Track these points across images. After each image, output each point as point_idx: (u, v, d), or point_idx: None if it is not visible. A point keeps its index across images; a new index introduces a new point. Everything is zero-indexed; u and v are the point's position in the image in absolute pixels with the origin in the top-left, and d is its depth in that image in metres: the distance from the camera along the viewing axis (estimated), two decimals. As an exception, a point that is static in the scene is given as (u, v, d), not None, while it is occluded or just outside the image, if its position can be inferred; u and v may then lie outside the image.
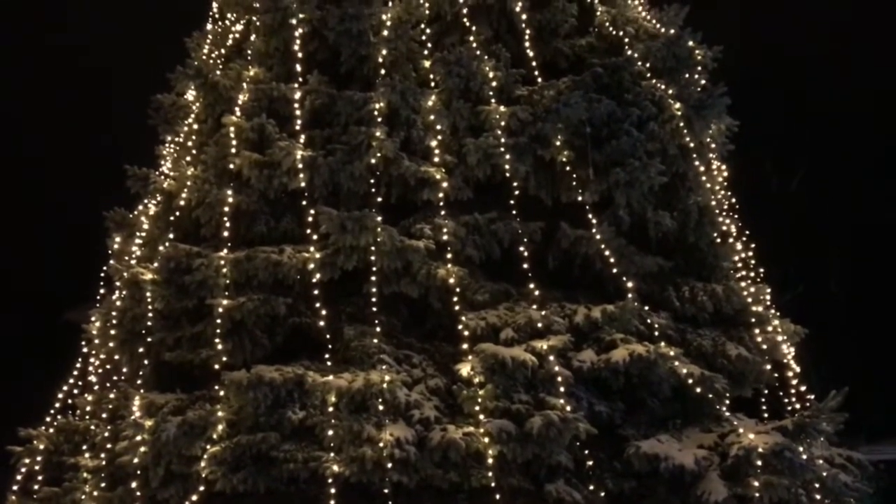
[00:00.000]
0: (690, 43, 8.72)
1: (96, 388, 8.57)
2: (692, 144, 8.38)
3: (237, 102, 8.49)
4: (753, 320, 8.13)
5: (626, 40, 8.97)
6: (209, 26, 10.10)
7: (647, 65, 8.64)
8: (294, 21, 8.69)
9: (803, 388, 8.27)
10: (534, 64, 8.70)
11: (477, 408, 6.87)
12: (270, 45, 8.92)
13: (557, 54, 9.04)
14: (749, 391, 8.16)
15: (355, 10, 8.49)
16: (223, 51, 9.72)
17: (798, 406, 8.18)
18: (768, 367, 8.00)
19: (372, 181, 7.95)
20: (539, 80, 8.59)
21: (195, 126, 9.00)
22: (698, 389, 7.22)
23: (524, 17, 8.88)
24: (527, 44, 8.80)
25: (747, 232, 9.05)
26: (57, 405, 8.93)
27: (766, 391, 8.42)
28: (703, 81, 8.77)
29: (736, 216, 9.18)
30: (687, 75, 8.68)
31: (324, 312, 7.48)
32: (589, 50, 9.11)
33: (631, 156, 8.00)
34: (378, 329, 7.43)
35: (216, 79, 8.73)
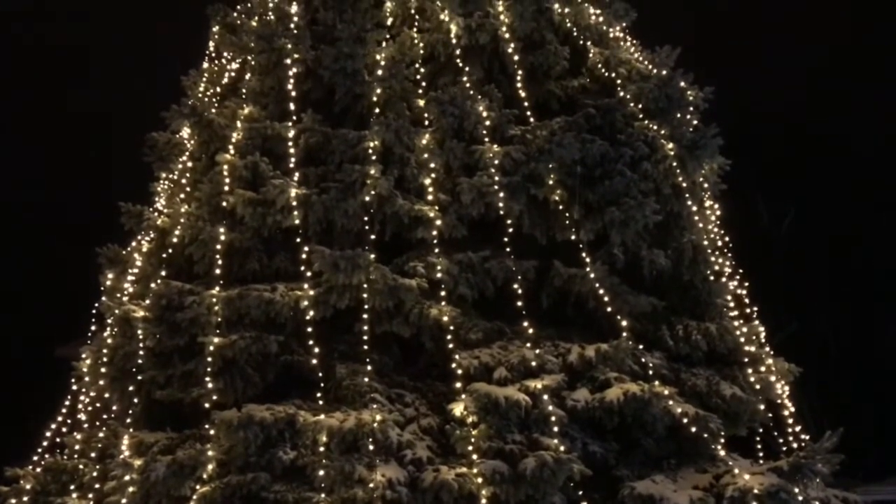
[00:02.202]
0: (682, 84, 8.82)
1: (85, 426, 8.47)
2: (685, 184, 8.45)
3: (231, 140, 8.55)
4: (747, 359, 8.11)
5: (619, 81, 9.07)
6: (205, 65, 10.20)
7: (640, 105, 8.74)
8: (289, 60, 8.79)
9: (798, 428, 8.23)
10: (526, 104, 8.78)
11: (470, 448, 6.80)
12: (265, 84, 9.01)
13: (550, 95, 9.13)
14: (744, 431, 8.10)
15: (350, 50, 8.59)
16: (218, 89, 9.80)
17: (794, 446, 8.13)
18: (762, 406, 7.96)
19: (366, 219, 7.97)
20: (532, 120, 8.66)
21: (189, 164, 9.04)
22: (693, 429, 7.17)
23: (516, 58, 8.99)
24: (519, 84, 8.90)
25: (741, 270, 9.08)
26: (45, 443, 8.81)
27: (760, 431, 8.37)
28: (695, 122, 8.86)
29: (729, 254, 9.21)
30: (679, 116, 8.77)
31: (316, 351, 7.44)
32: (581, 91, 9.20)
33: (625, 195, 8.05)
34: (370, 368, 7.39)
35: (211, 117, 8.79)
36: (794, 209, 20.91)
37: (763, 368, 8.13)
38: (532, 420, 6.97)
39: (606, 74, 9.24)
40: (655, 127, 8.55)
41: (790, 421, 8.22)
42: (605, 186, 8.16)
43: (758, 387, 7.97)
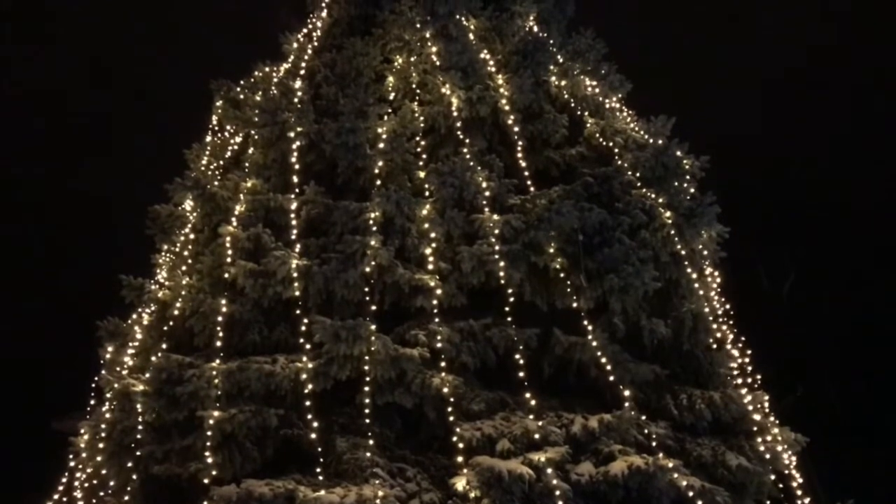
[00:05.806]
0: (678, 153, 8.94)
1: (81, 503, 8.30)
2: (684, 252, 8.48)
3: (234, 213, 8.62)
4: (755, 428, 8.00)
5: (616, 150, 9.20)
6: (208, 138, 10.36)
7: (637, 174, 8.84)
8: (292, 134, 8.93)
9: (808, 500, 8.05)
10: (526, 174, 8.89)
11: (473, 524, 6.67)
12: (268, 156, 9.13)
13: (549, 163, 9.25)
14: (751, 504, 7.95)
15: (352, 124, 8.74)
16: (221, 162, 9.93)
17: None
18: (772, 477, 7.81)
19: (366, 289, 7.97)
20: (531, 189, 8.75)
21: (192, 236, 9.10)
22: (699, 502, 7.03)
23: (516, 129, 9.14)
24: (519, 154, 9.03)
25: (742, 338, 9.02)
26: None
27: (768, 504, 8.20)
28: (692, 190, 8.94)
29: (731, 322, 9.16)
30: (676, 184, 8.86)
31: (315, 424, 7.36)
32: (580, 159, 9.33)
33: (624, 262, 8.08)
34: (371, 441, 7.30)
35: (214, 189, 8.89)
36: (794, 272, 20.89)
37: (769, 438, 8.01)
38: (536, 494, 6.85)
39: (603, 143, 9.37)
40: (653, 195, 8.63)
41: (799, 492, 8.05)
42: (603, 254, 8.19)
43: (767, 456, 7.84)
